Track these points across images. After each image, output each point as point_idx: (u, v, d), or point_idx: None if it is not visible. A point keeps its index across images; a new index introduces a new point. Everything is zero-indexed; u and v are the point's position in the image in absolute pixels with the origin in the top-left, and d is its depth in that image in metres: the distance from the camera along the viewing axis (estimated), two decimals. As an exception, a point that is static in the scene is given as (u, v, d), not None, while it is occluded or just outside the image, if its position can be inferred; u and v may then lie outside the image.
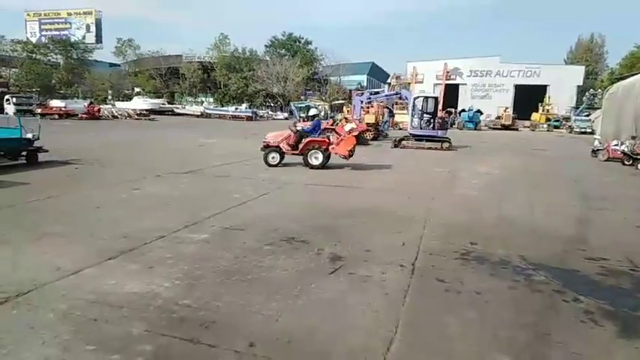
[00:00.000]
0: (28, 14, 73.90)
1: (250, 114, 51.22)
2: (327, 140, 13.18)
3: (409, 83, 57.96)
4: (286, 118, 53.49)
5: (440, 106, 25.52)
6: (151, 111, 47.14)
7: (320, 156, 12.76)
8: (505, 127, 44.24)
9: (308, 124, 22.85)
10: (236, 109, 55.32)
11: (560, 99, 53.61)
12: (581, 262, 5.43)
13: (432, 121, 20.58)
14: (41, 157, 12.02)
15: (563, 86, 55.88)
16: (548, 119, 48.42)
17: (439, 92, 49.57)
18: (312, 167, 12.59)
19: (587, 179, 12.71)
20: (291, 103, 41.97)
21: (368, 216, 7.38)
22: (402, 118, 35.37)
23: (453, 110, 47.55)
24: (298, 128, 13.64)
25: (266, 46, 71.72)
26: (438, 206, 8.39)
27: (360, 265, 4.99)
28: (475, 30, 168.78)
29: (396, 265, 5.07)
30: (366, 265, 5.00)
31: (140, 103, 50.89)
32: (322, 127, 22.21)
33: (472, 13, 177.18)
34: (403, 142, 20.78)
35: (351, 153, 13.16)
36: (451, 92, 58.06)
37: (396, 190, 9.99)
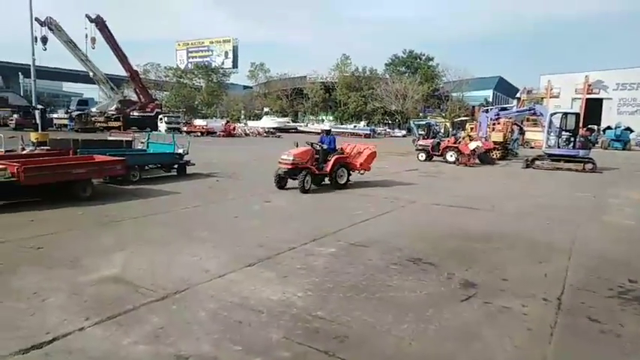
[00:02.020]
0: (178, 44, 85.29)
1: (368, 131, 51.78)
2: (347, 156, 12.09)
3: (542, 98, 53.35)
4: (404, 136, 52.94)
5: (580, 123, 22.92)
6: (278, 129, 50.50)
7: (345, 174, 11.80)
8: (662, 147, 37.97)
9: (430, 142, 22.40)
10: (354, 126, 56.41)
11: None
12: None
13: (572, 139, 18.57)
14: (189, 169, 13.58)
15: None
16: None
17: (579, 107, 44.68)
18: (339, 186, 11.48)
19: None
20: (411, 121, 41.43)
21: (502, 241, 6.89)
22: (534, 135, 32.64)
23: (595, 127, 42.40)
24: (324, 146, 11.71)
25: (386, 64, 72.22)
26: (584, 235, 7.48)
27: (496, 295, 4.65)
28: (622, 39, 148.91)
29: (538, 298, 4.62)
30: (504, 296, 4.63)
31: (268, 121, 54.93)
32: (443, 144, 21.68)
33: (617, 21, 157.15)
34: (537, 162, 19.05)
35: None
36: (593, 108, 51.88)
37: (534, 215, 9.15)
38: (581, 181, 15.26)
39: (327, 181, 11.57)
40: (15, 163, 8.29)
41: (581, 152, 18.45)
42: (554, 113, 19.91)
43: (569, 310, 4.35)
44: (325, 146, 11.67)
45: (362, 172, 12.38)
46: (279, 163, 11.03)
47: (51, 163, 9.45)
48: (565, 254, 6.24)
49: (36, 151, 12.35)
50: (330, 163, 11.32)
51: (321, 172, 11.30)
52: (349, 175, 11.94)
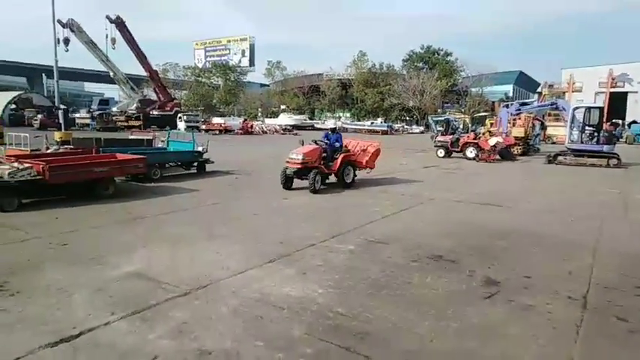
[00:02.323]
0: (196, 44, 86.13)
1: (386, 128, 51.53)
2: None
3: (564, 92, 52.18)
4: (422, 132, 52.48)
5: (604, 118, 22.37)
6: (294, 126, 50.70)
7: (351, 172, 11.43)
8: (691, 142, 36.72)
9: (449, 138, 22.13)
10: (372, 123, 56.21)
11: None
12: None
13: (595, 134, 18.14)
14: (208, 167, 13.71)
15: None
16: None
17: (602, 102, 43.56)
18: (346, 185, 11.16)
19: None
20: (429, 117, 40.98)
21: (524, 238, 6.77)
22: (556, 131, 31.95)
23: (619, 122, 41.30)
24: (337, 144, 11.39)
25: (403, 60, 71.62)
26: (609, 232, 7.31)
27: (519, 293, 4.57)
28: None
29: (562, 296, 4.53)
30: (527, 293, 4.56)
31: (285, 119, 55.17)
32: (462, 140, 21.39)
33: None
34: (559, 157, 18.68)
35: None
36: (617, 102, 50.50)
37: (556, 212, 8.97)
38: (605, 176, 14.90)
39: (331, 178, 11.29)
40: (40, 162, 8.50)
41: (605, 147, 18.02)
42: (577, 108, 19.47)
43: (596, 309, 4.25)
44: (338, 144, 11.38)
45: (368, 170, 12.08)
46: (287, 162, 10.58)
47: (75, 162, 9.65)
48: (590, 252, 6.10)
49: (60, 150, 12.63)
50: (338, 162, 10.98)
51: (328, 170, 10.99)
52: (355, 173, 11.66)
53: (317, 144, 11.11)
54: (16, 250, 5.67)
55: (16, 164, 8.35)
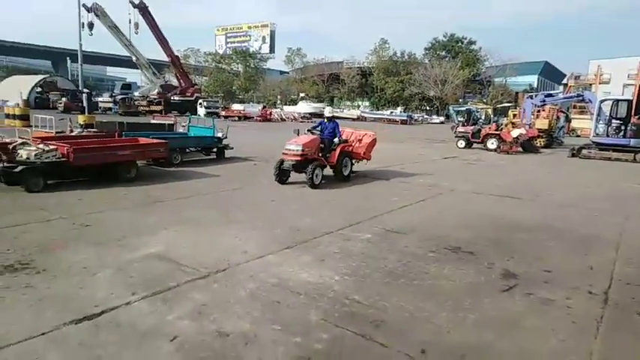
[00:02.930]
0: (217, 30, 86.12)
1: (405, 118, 50.98)
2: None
3: (591, 84, 50.70)
4: (442, 122, 51.78)
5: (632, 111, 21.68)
6: (313, 114, 50.49)
7: (349, 164, 10.71)
8: None
9: (470, 129, 21.78)
10: (391, 112, 55.63)
11: None
12: None
13: (622, 127, 17.63)
14: (227, 153, 13.82)
15: None
16: None
17: (632, 94, 42.20)
18: (344, 179, 10.44)
19: None
20: (450, 107, 40.33)
21: (545, 231, 6.66)
22: (581, 123, 31.19)
23: (649, 115, 39.98)
24: (342, 137, 10.66)
25: (426, 48, 70.38)
26: (633, 228, 7.12)
27: (538, 286, 4.51)
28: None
29: (583, 291, 4.45)
30: (547, 287, 4.49)
31: (304, 107, 55.01)
32: (484, 131, 21.02)
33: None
34: (584, 151, 18.23)
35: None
36: (648, 94, 48.81)
37: (578, 206, 8.79)
38: (630, 171, 14.49)
39: (325, 172, 10.50)
40: (65, 145, 8.69)
41: (632, 141, 17.51)
42: (604, 100, 18.94)
43: (617, 305, 4.18)
44: (336, 135, 10.46)
45: (365, 161, 11.55)
46: (285, 154, 9.66)
47: (98, 145, 9.83)
48: (612, 247, 5.97)
49: (84, 133, 12.88)
50: (337, 153, 10.20)
51: (327, 162, 10.23)
52: (352, 165, 10.99)
53: (313, 134, 10.34)
54: (41, 230, 5.84)
55: (41, 146, 8.55)
